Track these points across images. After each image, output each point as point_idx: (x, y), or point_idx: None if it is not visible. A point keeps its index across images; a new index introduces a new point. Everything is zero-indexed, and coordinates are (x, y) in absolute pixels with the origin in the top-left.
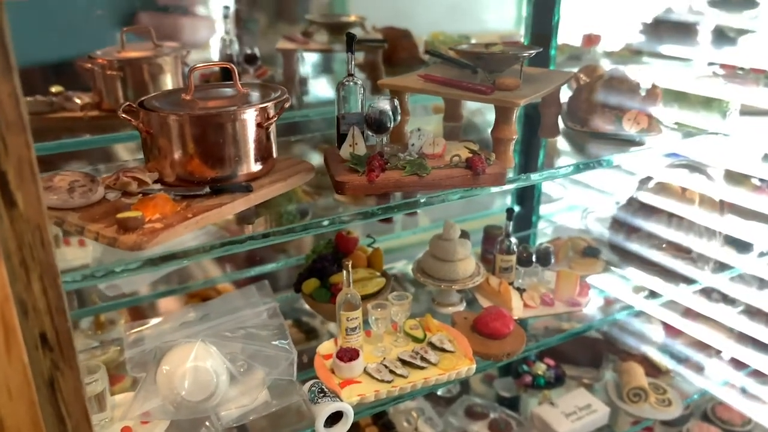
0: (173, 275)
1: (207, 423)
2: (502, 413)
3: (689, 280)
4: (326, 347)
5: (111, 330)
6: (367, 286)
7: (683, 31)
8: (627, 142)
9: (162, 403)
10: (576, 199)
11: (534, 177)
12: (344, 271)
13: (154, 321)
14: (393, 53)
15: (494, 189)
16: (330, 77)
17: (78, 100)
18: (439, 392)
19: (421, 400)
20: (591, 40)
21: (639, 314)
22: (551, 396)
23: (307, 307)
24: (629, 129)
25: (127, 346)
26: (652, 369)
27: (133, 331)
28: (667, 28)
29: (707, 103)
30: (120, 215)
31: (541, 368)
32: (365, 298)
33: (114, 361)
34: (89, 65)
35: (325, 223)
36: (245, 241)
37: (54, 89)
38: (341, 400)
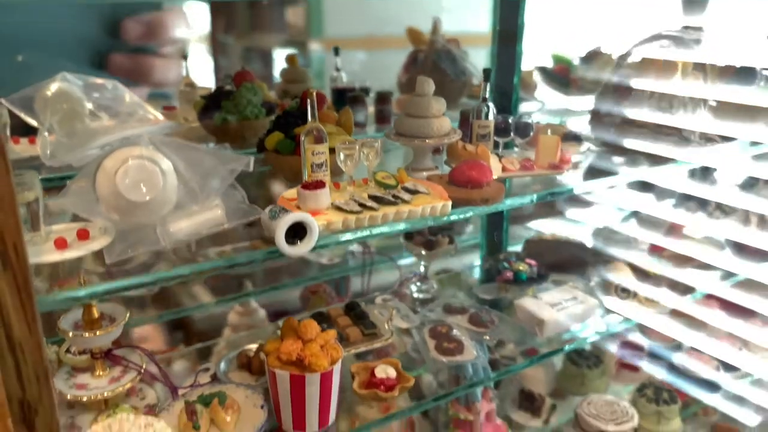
0: None
1: (156, 235)
2: (483, 309)
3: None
4: (291, 192)
5: None
6: (335, 140)
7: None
8: None
9: (103, 218)
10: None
11: None
12: (308, 101)
13: None
14: None
15: None
16: None
17: None
18: (415, 294)
19: (396, 301)
20: None
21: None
22: (535, 292)
23: None
24: None
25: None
26: (640, 274)
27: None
28: None
29: None
30: None
31: (522, 265)
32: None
33: None
34: None
35: None
36: None
37: None
38: None
